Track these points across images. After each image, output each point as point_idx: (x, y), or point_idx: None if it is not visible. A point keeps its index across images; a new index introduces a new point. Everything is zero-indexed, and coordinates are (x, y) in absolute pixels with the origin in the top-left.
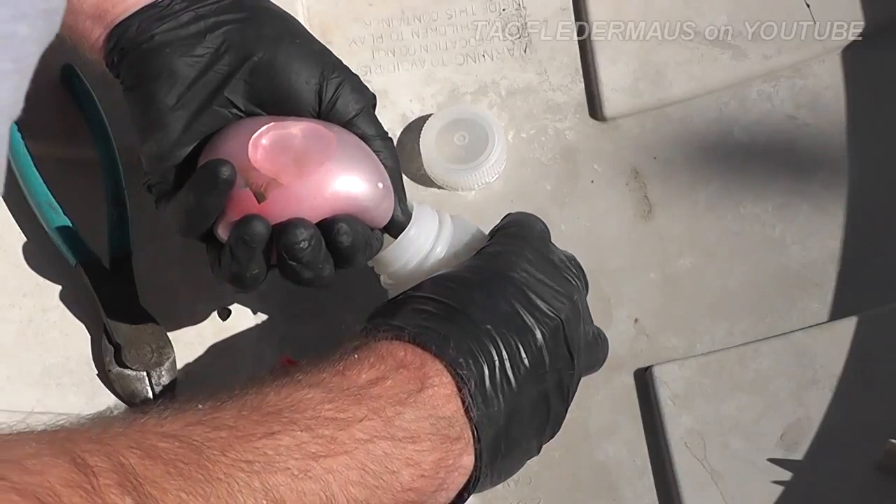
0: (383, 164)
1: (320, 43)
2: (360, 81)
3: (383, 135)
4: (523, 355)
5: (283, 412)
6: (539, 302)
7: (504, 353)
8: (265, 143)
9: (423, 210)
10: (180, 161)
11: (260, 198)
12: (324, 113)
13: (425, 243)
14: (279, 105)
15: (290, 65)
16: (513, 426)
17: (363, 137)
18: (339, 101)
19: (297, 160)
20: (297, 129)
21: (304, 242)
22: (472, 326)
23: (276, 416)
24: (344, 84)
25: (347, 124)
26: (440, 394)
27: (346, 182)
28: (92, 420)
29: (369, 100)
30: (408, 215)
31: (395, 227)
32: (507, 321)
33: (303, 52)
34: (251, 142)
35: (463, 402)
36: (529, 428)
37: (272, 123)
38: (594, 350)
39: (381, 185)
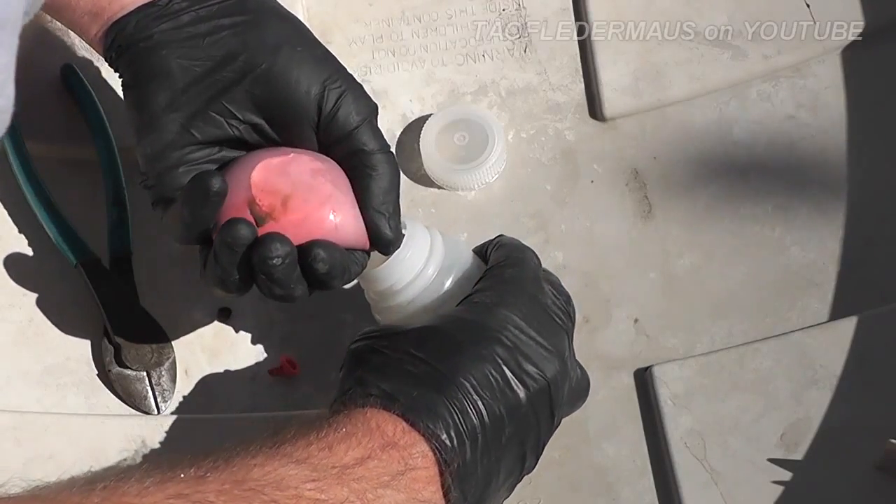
0: (383, 178)
1: (324, 48)
2: (363, 91)
3: (385, 148)
4: (507, 423)
5: (265, 489)
6: (528, 366)
7: (489, 424)
8: (264, 180)
9: (415, 229)
10: (175, 163)
11: (260, 222)
12: (324, 123)
13: (417, 264)
14: (279, 114)
15: (290, 73)
16: (488, 493)
17: (363, 151)
18: (341, 111)
19: (284, 200)
20: (297, 164)
21: (278, 259)
22: (461, 397)
23: (257, 493)
24: (346, 94)
25: (348, 136)
26: (422, 476)
27: (334, 220)
28: (71, 482)
29: (372, 110)
30: (399, 234)
31: (389, 246)
32: (495, 391)
33: (303, 60)
34: (252, 177)
35: (443, 486)
36: (503, 488)
37: (273, 160)
38: (577, 391)
39: (352, 222)
